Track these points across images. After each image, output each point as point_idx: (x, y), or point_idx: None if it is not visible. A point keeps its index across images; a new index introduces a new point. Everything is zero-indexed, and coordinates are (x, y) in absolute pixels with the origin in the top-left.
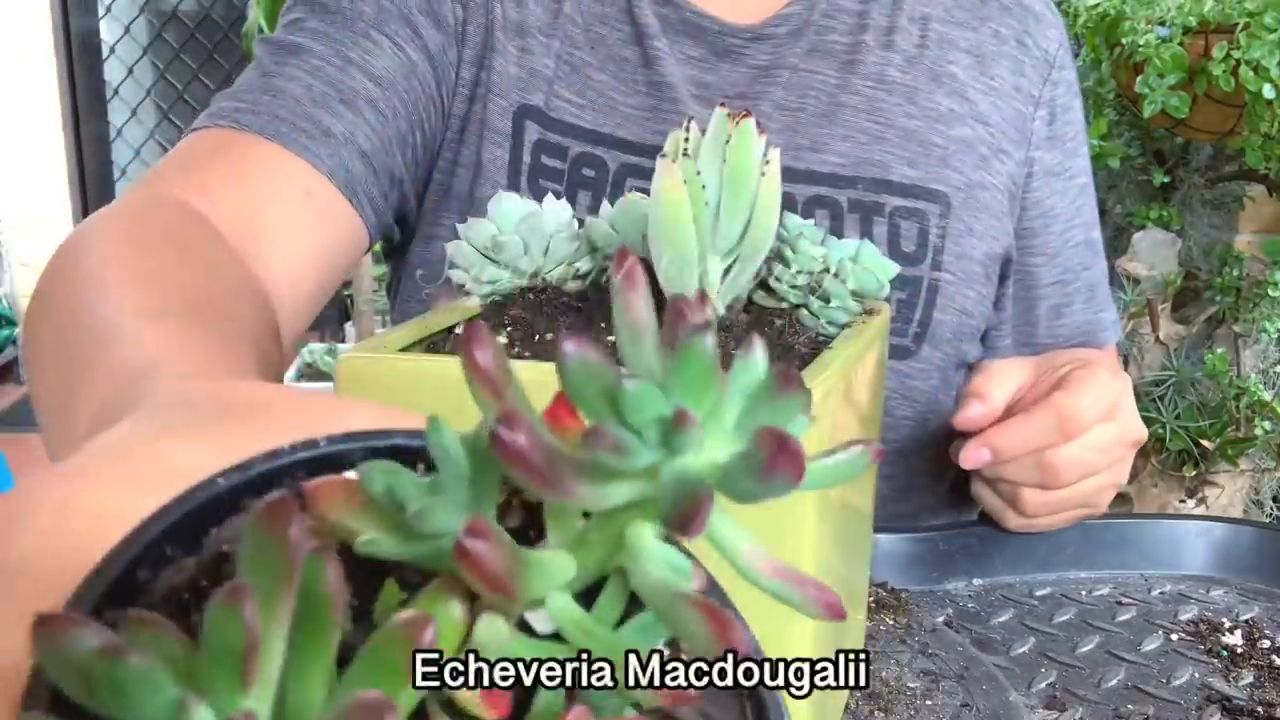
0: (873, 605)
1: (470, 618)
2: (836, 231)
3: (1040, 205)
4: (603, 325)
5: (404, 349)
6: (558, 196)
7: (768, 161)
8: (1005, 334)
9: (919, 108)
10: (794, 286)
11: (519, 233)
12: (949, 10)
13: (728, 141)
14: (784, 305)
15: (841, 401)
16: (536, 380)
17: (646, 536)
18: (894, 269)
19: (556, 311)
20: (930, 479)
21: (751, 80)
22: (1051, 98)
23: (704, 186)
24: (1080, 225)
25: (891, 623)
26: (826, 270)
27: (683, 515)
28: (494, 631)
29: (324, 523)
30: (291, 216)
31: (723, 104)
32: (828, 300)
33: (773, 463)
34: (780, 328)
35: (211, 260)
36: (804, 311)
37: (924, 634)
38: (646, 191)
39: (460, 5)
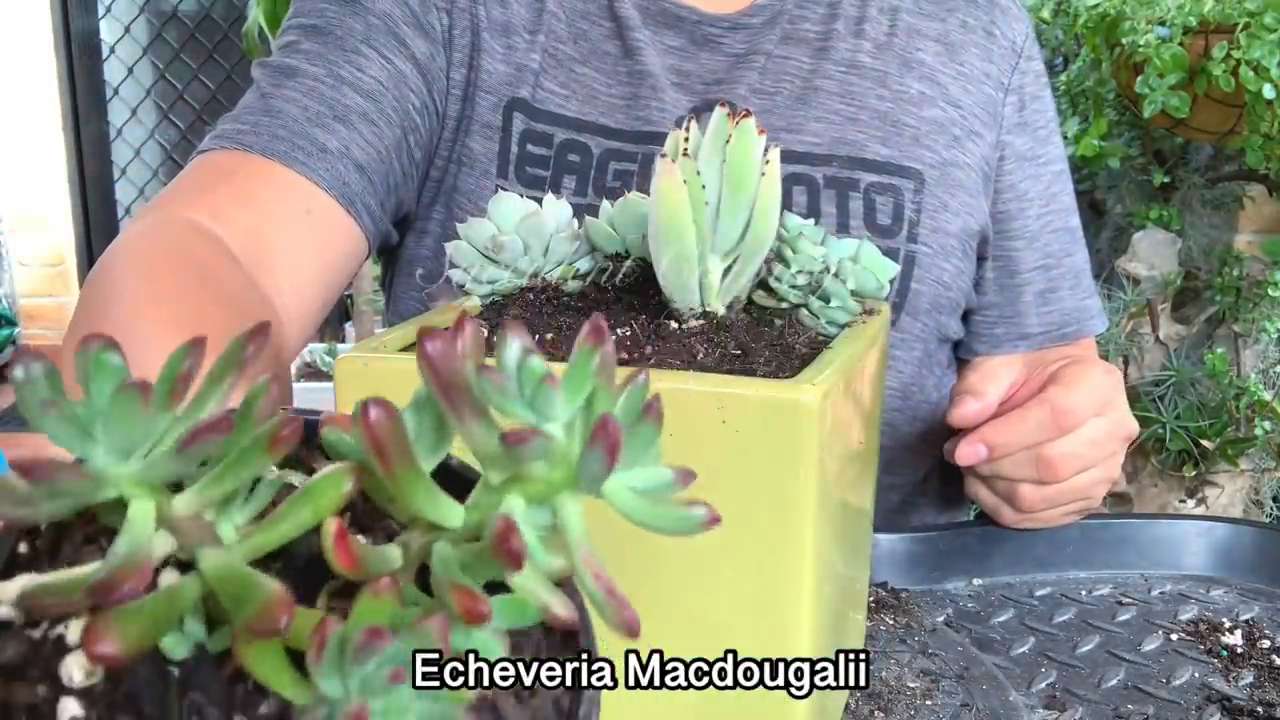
0: (873, 605)
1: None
2: (813, 207)
3: (1014, 189)
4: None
5: (403, 349)
6: (544, 182)
7: (768, 161)
8: (994, 320)
9: (890, 90)
10: (794, 286)
11: (519, 233)
12: (917, 2)
13: (728, 141)
14: (784, 305)
15: (842, 401)
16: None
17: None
18: (894, 269)
19: (556, 311)
20: (913, 454)
21: (729, 67)
22: (1020, 85)
23: (704, 186)
24: (1057, 212)
25: (891, 623)
26: (826, 270)
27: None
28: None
29: None
30: (294, 233)
31: (723, 104)
32: (828, 300)
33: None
34: (780, 328)
35: (227, 287)
36: (804, 311)
37: (924, 634)
38: (629, 173)
39: (445, 13)
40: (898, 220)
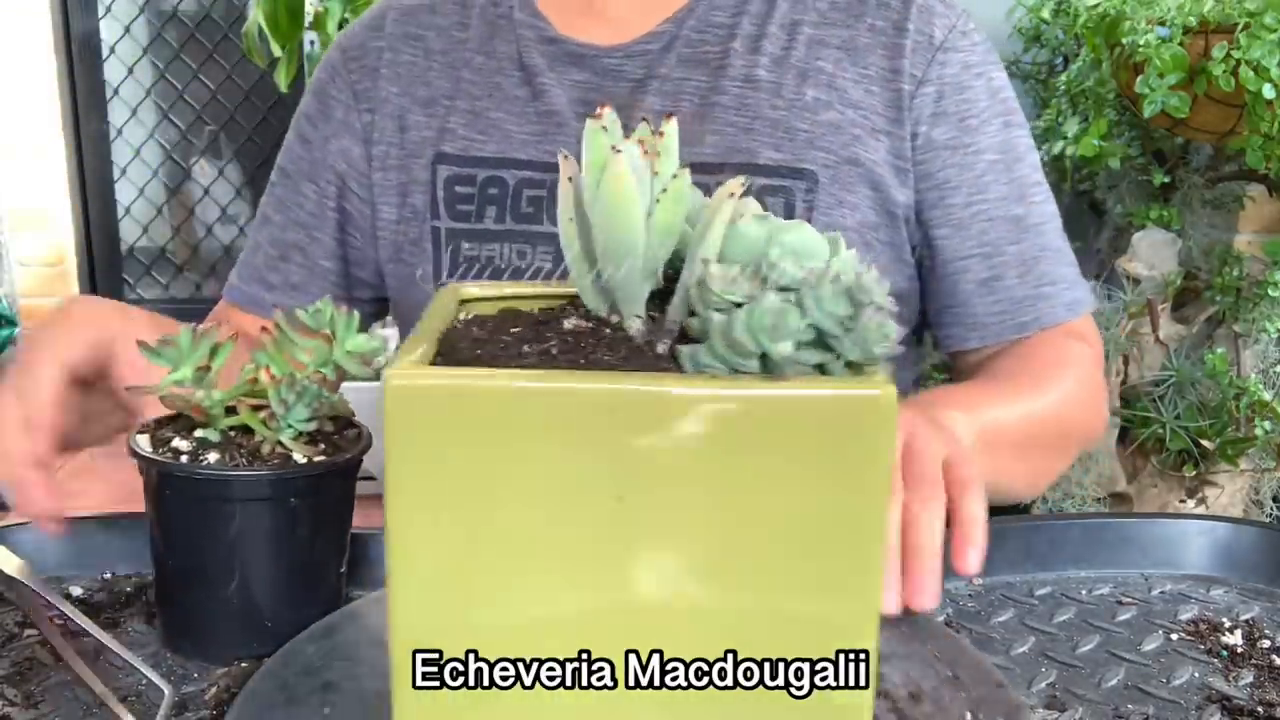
0: None
1: None
2: None
3: (931, 179)
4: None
5: (432, 362)
6: (470, 215)
7: (655, 173)
8: (939, 309)
9: (785, 100)
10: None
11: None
12: (823, 14)
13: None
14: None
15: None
16: None
17: None
18: (793, 330)
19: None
20: None
21: (629, 93)
22: (939, 77)
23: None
24: (995, 200)
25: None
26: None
27: None
28: None
29: None
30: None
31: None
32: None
33: None
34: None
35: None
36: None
37: (924, 634)
38: (540, 199)
39: (368, 112)
40: (788, 219)
